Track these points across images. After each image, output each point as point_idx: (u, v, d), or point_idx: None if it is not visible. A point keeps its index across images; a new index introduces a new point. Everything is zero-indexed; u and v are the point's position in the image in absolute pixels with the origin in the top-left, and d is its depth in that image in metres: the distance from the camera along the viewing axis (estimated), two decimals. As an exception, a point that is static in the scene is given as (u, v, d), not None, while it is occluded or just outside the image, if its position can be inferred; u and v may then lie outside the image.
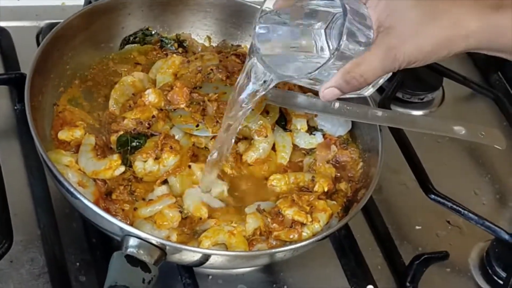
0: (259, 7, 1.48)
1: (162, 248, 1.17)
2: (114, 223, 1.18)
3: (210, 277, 1.35)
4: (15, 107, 1.49)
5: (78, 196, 1.19)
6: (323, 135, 1.48)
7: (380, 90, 1.70)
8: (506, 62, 1.83)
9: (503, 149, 1.45)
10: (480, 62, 1.89)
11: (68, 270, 1.30)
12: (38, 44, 1.61)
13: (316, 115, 1.48)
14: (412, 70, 1.68)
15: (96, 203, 1.26)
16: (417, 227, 1.53)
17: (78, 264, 1.32)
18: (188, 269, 1.30)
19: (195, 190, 1.33)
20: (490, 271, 1.47)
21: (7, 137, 1.46)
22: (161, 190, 1.32)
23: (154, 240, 1.16)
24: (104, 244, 1.33)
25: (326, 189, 1.38)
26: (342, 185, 1.41)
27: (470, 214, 1.45)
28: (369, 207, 1.50)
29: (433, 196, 1.47)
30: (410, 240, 1.50)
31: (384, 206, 1.53)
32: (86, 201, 1.18)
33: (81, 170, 1.31)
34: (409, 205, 1.55)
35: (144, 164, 1.32)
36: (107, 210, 1.26)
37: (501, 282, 1.45)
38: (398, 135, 1.57)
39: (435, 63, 1.74)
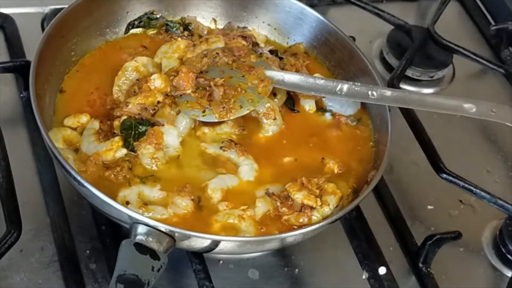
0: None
1: (171, 235, 1.16)
2: (123, 211, 1.17)
3: (221, 262, 1.35)
4: (21, 95, 1.49)
5: (85, 184, 1.18)
6: (332, 115, 1.47)
7: (389, 68, 1.71)
8: (517, 37, 1.82)
9: (515, 126, 1.43)
10: (490, 37, 1.86)
11: (78, 258, 1.30)
12: (43, 30, 1.60)
13: (323, 96, 1.47)
14: (421, 48, 1.69)
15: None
16: (429, 207, 1.51)
17: (88, 251, 1.31)
18: (198, 255, 1.30)
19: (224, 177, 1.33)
20: (503, 249, 1.46)
21: (14, 125, 1.45)
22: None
23: (163, 227, 1.15)
24: (114, 231, 1.33)
25: (336, 171, 1.37)
26: (353, 165, 1.40)
27: (483, 193, 1.44)
28: (380, 188, 1.49)
29: (444, 175, 1.46)
30: (422, 220, 1.49)
31: (395, 186, 1.52)
32: (93, 189, 1.18)
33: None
34: (420, 185, 1.54)
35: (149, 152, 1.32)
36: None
37: (515, 260, 1.44)
38: (408, 114, 1.56)
39: (444, 39, 1.73)
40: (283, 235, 1.25)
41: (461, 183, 1.45)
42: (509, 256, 1.45)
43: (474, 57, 1.75)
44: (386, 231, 1.45)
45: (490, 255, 1.47)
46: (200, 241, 1.19)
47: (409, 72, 1.71)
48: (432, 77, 1.74)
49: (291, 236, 1.24)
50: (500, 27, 1.82)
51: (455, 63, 1.77)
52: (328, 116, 1.47)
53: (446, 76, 1.77)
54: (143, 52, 1.49)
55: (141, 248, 1.13)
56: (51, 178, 1.37)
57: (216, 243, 1.20)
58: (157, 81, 1.37)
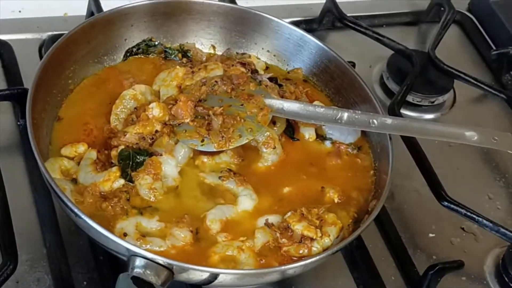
0: (263, 14, 1.47)
1: (169, 268, 1.14)
2: (120, 243, 1.16)
3: (219, 294, 1.33)
4: (18, 123, 1.47)
5: (82, 216, 1.16)
6: (332, 143, 1.46)
7: (390, 93, 1.70)
8: (518, 62, 1.81)
9: (517, 152, 1.42)
10: (491, 62, 1.85)
11: (75, 290, 1.28)
12: (41, 56, 1.60)
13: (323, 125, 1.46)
14: (421, 73, 1.68)
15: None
16: (431, 235, 1.50)
17: (85, 283, 1.30)
18: None
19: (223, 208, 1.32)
20: (506, 278, 1.44)
21: (11, 153, 1.43)
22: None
23: (161, 260, 1.14)
24: (112, 262, 1.31)
25: (336, 200, 1.36)
26: (354, 194, 1.38)
27: (485, 221, 1.42)
28: (381, 216, 1.47)
29: (446, 203, 1.44)
30: (423, 249, 1.47)
31: (396, 214, 1.50)
32: (90, 222, 1.16)
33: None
34: (422, 213, 1.53)
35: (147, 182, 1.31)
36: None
37: (518, 289, 1.42)
38: (409, 140, 1.54)
39: (444, 64, 1.72)
40: (284, 267, 1.24)
41: (463, 211, 1.44)
42: (511, 285, 1.43)
43: (475, 82, 1.74)
44: (388, 260, 1.44)
45: (493, 284, 1.45)
46: (198, 274, 1.18)
47: (410, 98, 1.70)
48: (433, 102, 1.73)
49: (292, 269, 1.23)
50: (501, 51, 1.81)
51: (456, 88, 1.77)
52: (328, 144, 1.46)
53: (447, 101, 1.76)
54: (141, 79, 1.48)
55: (138, 282, 1.12)
56: (48, 207, 1.36)
57: (215, 276, 1.18)
58: (155, 110, 1.36)
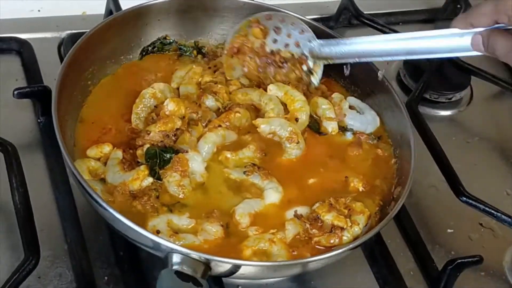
0: (276, 9, 1.48)
1: (206, 263, 1.15)
2: (158, 241, 1.17)
3: (240, 287, 1.33)
4: (39, 120, 1.48)
5: (118, 216, 1.17)
6: (353, 134, 1.47)
7: (407, 90, 1.70)
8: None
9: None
10: (508, 58, 1.85)
11: (96, 285, 1.29)
12: (60, 55, 1.62)
13: (344, 116, 1.48)
14: (438, 70, 1.68)
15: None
16: (449, 230, 1.50)
17: (106, 278, 1.30)
18: (218, 280, 1.28)
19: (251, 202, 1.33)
20: (525, 274, 1.45)
21: (31, 151, 1.44)
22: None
23: (198, 255, 1.15)
24: (132, 257, 1.32)
25: (361, 189, 1.37)
26: (377, 182, 1.40)
27: (503, 216, 1.43)
28: (399, 212, 1.45)
29: (464, 198, 1.45)
30: (442, 244, 1.47)
31: (415, 210, 1.50)
32: (127, 221, 1.17)
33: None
34: (440, 208, 1.53)
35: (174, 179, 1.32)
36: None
37: (537, 285, 1.42)
38: (426, 135, 1.55)
39: (461, 61, 1.72)
40: (306, 260, 1.25)
41: (482, 206, 1.44)
42: (530, 280, 1.44)
43: (492, 78, 1.74)
44: (406, 255, 1.44)
45: (512, 279, 1.46)
46: (234, 267, 1.19)
47: (427, 94, 1.71)
48: (450, 99, 1.73)
49: (315, 261, 1.24)
50: (518, 48, 1.81)
51: (473, 85, 1.77)
52: (349, 135, 1.47)
53: (464, 97, 1.76)
54: (158, 77, 1.49)
55: (182, 276, 1.13)
56: (68, 204, 1.37)
57: (253, 269, 1.21)
58: (170, 105, 1.37)
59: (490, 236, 1.51)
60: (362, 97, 1.52)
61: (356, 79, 1.54)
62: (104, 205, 1.19)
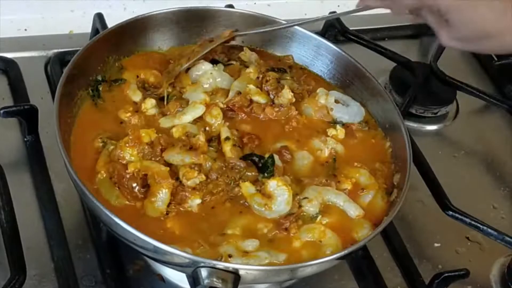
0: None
1: (234, 272, 1.16)
2: (186, 257, 1.16)
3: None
4: (25, 139, 1.48)
5: (145, 238, 1.17)
6: (343, 125, 1.48)
7: (393, 105, 1.70)
8: (520, 72, 1.82)
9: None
10: (493, 73, 1.86)
11: (83, 303, 1.29)
12: (47, 74, 1.62)
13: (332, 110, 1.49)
14: (424, 84, 1.69)
15: None
16: (436, 245, 1.50)
17: (93, 296, 1.30)
18: None
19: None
20: (512, 287, 1.45)
21: (18, 170, 1.44)
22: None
23: (225, 265, 1.16)
24: (119, 275, 1.32)
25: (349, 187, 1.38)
26: (377, 165, 1.42)
27: (490, 230, 1.43)
28: (386, 226, 1.47)
29: (450, 212, 1.45)
30: (429, 258, 1.48)
31: (401, 225, 1.50)
32: (155, 242, 1.16)
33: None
34: (427, 222, 1.53)
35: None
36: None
37: (523, 297, 1.43)
38: (413, 149, 1.55)
39: (447, 76, 1.73)
40: (292, 266, 1.24)
41: (468, 220, 1.45)
42: (518, 293, 1.44)
43: (478, 93, 1.75)
44: (393, 270, 1.44)
45: (499, 293, 1.46)
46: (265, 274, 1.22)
47: (413, 109, 1.71)
48: (436, 113, 1.74)
49: (301, 268, 1.24)
50: (503, 62, 1.83)
51: (459, 99, 1.77)
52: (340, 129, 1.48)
53: (450, 112, 1.77)
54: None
55: None
56: (55, 222, 1.36)
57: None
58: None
59: (477, 250, 1.51)
60: (344, 88, 1.55)
61: (335, 73, 1.56)
62: (132, 230, 1.17)
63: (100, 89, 1.43)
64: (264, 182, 1.32)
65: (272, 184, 1.31)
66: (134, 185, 1.28)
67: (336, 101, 1.50)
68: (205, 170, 1.31)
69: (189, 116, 1.39)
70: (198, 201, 1.28)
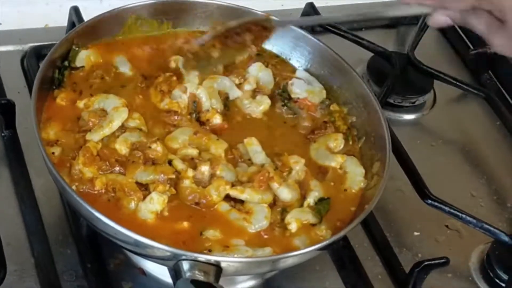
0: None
1: (216, 264, 1.15)
2: (168, 250, 1.16)
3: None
4: (2, 134, 1.47)
5: (126, 232, 1.16)
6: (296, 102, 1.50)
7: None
8: (496, 61, 1.83)
9: (500, 150, 1.43)
10: (470, 62, 1.87)
11: (64, 298, 1.28)
12: (23, 68, 1.60)
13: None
14: (401, 74, 1.70)
15: None
16: (416, 233, 1.51)
17: (74, 291, 1.30)
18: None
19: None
20: (491, 274, 1.46)
21: (-4, 165, 1.43)
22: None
23: (207, 258, 1.15)
24: (100, 269, 1.32)
25: None
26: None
27: (468, 218, 1.44)
28: (366, 216, 1.48)
29: (429, 201, 1.46)
30: (409, 247, 1.48)
31: (381, 214, 1.51)
32: (136, 236, 1.16)
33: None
34: (406, 211, 1.54)
35: None
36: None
37: (503, 284, 1.44)
38: (391, 139, 1.55)
39: (424, 65, 1.74)
40: (273, 257, 1.24)
41: (447, 209, 1.45)
42: (497, 280, 1.45)
43: (454, 81, 1.76)
44: (374, 259, 1.45)
45: (478, 280, 1.47)
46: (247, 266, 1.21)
47: (391, 99, 1.72)
48: (413, 103, 1.74)
49: (282, 258, 1.24)
50: (479, 51, 1.83)
51: (436, 88, 1.78)
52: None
53: (428, 101, 1.77)
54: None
55: (200, 284, 1.12)
56: (35, 217, 1.36)
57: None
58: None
59: (456, 238, 1.52)
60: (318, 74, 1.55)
61: (314, 62, 1.56)
62: (109, 222, 1.17)
63: (65, 74, 1.42)
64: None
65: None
66: (106, 198, 1.27)
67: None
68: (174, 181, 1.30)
69: (117, 121, 1.34)
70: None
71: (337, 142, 1.44)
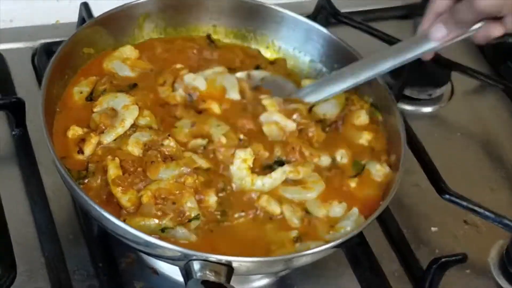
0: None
1: (228, 264, 1.14)
2: (178, 250, 1.14)
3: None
4: (13, 132, 1.46)
5: (137, 234, 1.15)
6: None
7: (387, 88, 1.68)
8: (515, 51, 1.80)
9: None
10: (488, 53, 1.84)
11: (75, 298, 1.27)
12: (34, 65, 1.59)
13: None
14: (418, 66, 1.67)
15: None
16: (433, 229, 1.48)
17: (85, 291, 1.28)
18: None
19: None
20: (510, 269, 1.43)
21: (6, 164, 1.42)
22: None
23: (219, 258, 1.13)
24: (111, 268, 1.30)
25: None
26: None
27: (487, 213, 1.41)
28: (382, 211, 1.45)
29: (447, 196, 1.43)
30: (426, 243, 1.46)
31: (398, 209, 1.48)
32: (146, 237, 1.15)
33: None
34: (423, 207, 1.51)
35: None
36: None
37: (523, 280, 1.41)
38: (407, 133, 1.52)
39: (441, 56, 1.71)
40: (287, 256, 1.23)
41: (465, 204, 1.42)
42: (516, 276, 1.43)
43: (472, 73, 1.72)
44: (390, 256, 1.42)
45: (497, 276, 1.43)
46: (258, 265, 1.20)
47: (407, 91, 1.69)
48: (430, 95, 1.72)
49: (296, 257, 1.23)
50: (498, 41, 1.79)
51: (454, 80, 1.75)
52: None
53: (445, 93, 1.75)
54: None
55: (210, 285, 1.11)
56: (45, 216, 1.34)
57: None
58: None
59: (475, 233, 1.50)
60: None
61: (327, 55, 1.55)
62: (116, 221, 1.16)
63: None
64: None
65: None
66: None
67: None
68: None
69: (129, 119, 1.32)
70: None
71: (360, 118, 1.44)
